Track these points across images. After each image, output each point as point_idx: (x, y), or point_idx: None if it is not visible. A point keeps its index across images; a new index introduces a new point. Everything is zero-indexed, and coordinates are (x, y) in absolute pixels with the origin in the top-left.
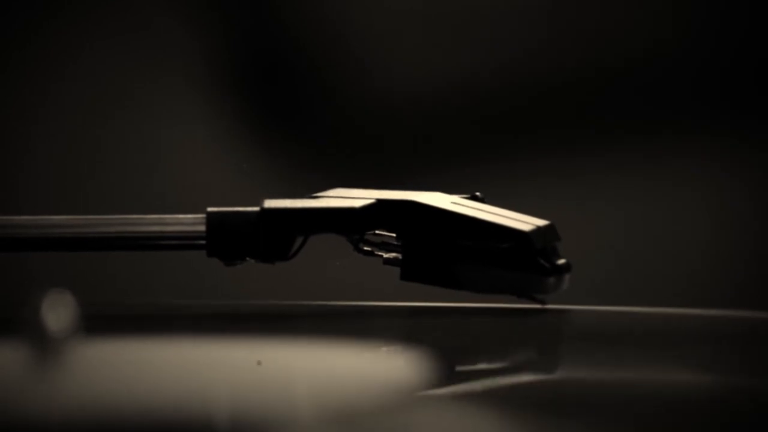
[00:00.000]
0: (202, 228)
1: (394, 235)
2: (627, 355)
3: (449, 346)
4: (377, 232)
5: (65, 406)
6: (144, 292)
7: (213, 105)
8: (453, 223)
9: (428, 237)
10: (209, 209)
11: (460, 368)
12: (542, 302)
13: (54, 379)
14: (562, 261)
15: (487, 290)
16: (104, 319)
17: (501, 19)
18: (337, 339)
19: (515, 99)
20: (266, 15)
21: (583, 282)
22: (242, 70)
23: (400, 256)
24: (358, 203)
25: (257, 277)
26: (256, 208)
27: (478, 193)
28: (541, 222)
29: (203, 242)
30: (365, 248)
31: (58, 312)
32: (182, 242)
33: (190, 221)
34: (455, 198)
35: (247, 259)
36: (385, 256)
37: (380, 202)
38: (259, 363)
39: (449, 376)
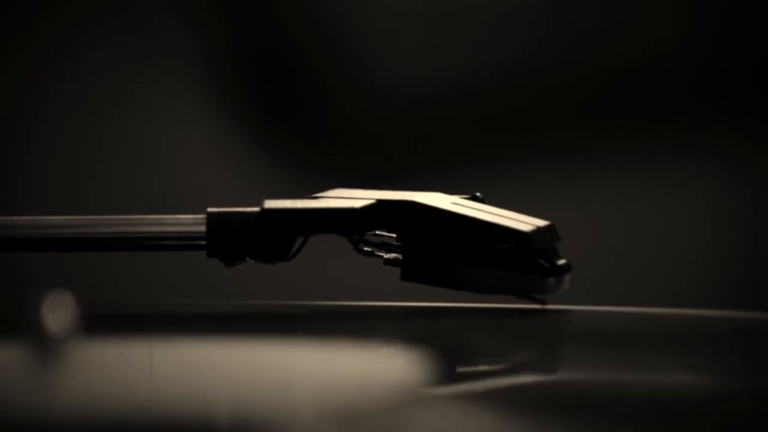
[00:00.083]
0: (203, 228)
1: (394, 235)
2: (627, 355)
3: (449, 347)
4: (377, 232)
5: (65, 407)
6: (144, 293)
7: (213, 105)
8: (453, 223)
9: (428, 237)
10: (209, 209)
11: (460, 368)
12: (542, 302)
13: (54, 379)
14: (562, 261)
15: (488, 290)
16: (104, 320)
17: (501, 18)
18: (337, 339)
19: (515, 99)
20: (266, 15)
21: (583, 282)
22: (242, 70)
23: (400, 256)
24: (358, 204)
25: (257, 277)
26: (257, 209)
27: (478, 194)
28: (542, 222)
29: (203, 243)
30: (365, 249)
31: (58, 312)
32: (182, 243)
33: (191, 222)
34: (455, 198)
35: (247, 259)
36: (386, 256)
37: (380, 203)
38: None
39: (449, 377)
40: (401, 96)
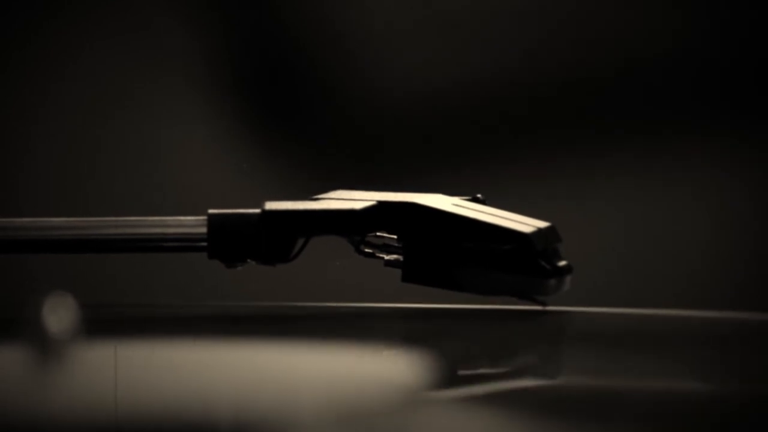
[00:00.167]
0: (204, 230)
1: (395, 236)
2: (628, 356)
3: (450, 348)
4: (378, 233)
5: (66, 408)
6: (145, 294)
7: (213, 105)
8: (454, 225)
9: (429, 239)
10: (210, 211)
11: (460, 370)
12: (543, 304)
13: (54, 381)
14: (563, 263)
15: (488, 292)
16: (105, 321)
17: (501, 19)
18: (338, 341)
19: (515, 99)
20: (266, 15)
21: (584, 283)
22: (242, 70)
23: (401, 257)
24: (359, 205)
25: (258, 278)
26: (258, 210)
27: (479, 195)
28: (542, 224)
29: (204, 244)
30: (366, 250)
31: (58, 314)
32: (183, 244)
33: (192, 223)
34: (456, 200)
35: (248, 261)
36: (386, 257)
37: (381, 204)
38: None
39: (450, 378)
40: (401, 96)
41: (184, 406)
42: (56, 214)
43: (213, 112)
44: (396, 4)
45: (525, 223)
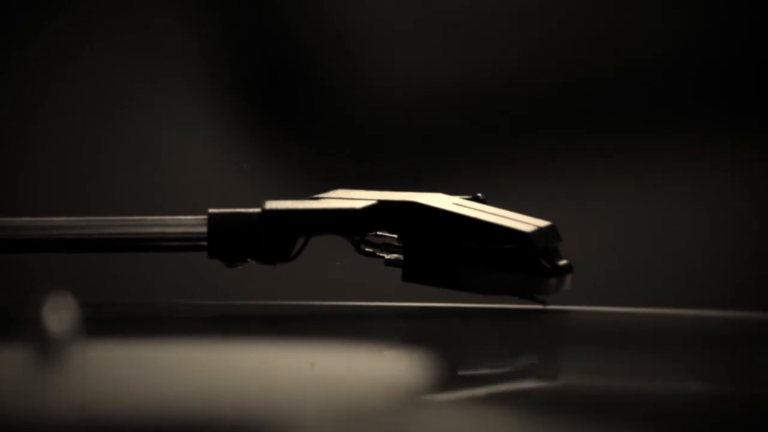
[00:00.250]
0: (204, 229)
1: (395, 236)
2: (628, 356)
3: (450, 347)
4: (379, 233)
5: (66, 408)
6: (145, 293)
7: (213, 105)
8: (454, 224)
9: (430, 238)
10: (210, 210)
11: (461, 369)
12: (544, 303)
13: (55, 380)
14: (563, 262)
15: (489, 291)
16: (105, 321)
17: (501, 19)
18: (338, 340)
19: (515, 99)
20: (266, 15)
21: (585, 283)
22: (242, 70)
23: (401, 257)
24: (359, 204)
25: (258, 278)
26: (258, 210)
27: (479, 194)
28: (543, 223)
29: (204, 243)
30: (367, 249)
31: (59, 313)
32: (184, 244)
33: (192, 223)
34: (456, 199)
35: (249, 260)
36: (387, 257)
37: (381, 203)
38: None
39: (450, 377)
40: (401, 96)
41: (184, 406)
42: (56, 213)
43: (213, 112)
44: (396, 4)
45: (525, 222)
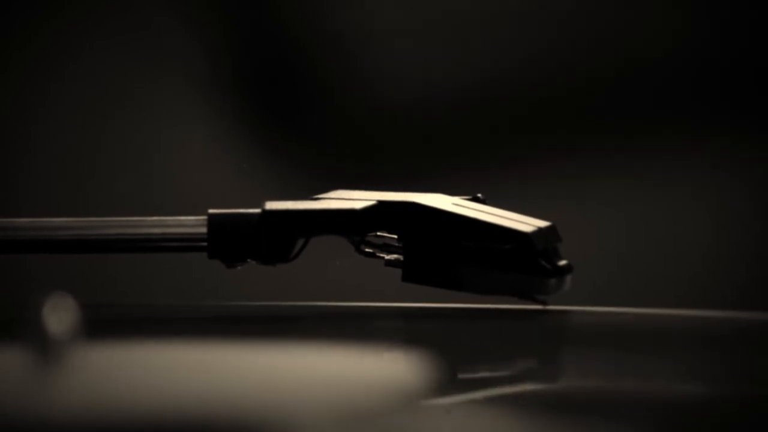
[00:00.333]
0: (204, 230)
1: (395, 236)
2: (628, 356)
3: (450, 348)
4: (378, 233)
5: (66, 410)
6: (145, 294)
7: (213, 105)
8: (454, 224)
9: (430, 238)
10: (210, 211)
11: (461, 369)
12: (544, 303)
13: (55, 382)
14: (563, 262)
15: (489, 291)
16: (105, 322)
17: (501, 19)
18: (338, 340)
19: (515, 100)
20: (266, 15)
21: (585, 283)
22: (242, 70)
23: (401, 257)
24: (359, 205)
25: (258, 278)
26: (258, 210)
27: (479, 195)
28: (543, 223)
29: (204, 244)
30: (366, 250)
31: (58, 314)
32: (184, 244)
33: (192, 223)
34: (456, 199)
35: (249, 260)
36: (387, 257)
37: (381, 204)
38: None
39: (450, 378)
40: (401, 96)
41: (183, 407)
42: (56, 214)
43: (213, 112)
44: (396, 5)
45: (525, 223)
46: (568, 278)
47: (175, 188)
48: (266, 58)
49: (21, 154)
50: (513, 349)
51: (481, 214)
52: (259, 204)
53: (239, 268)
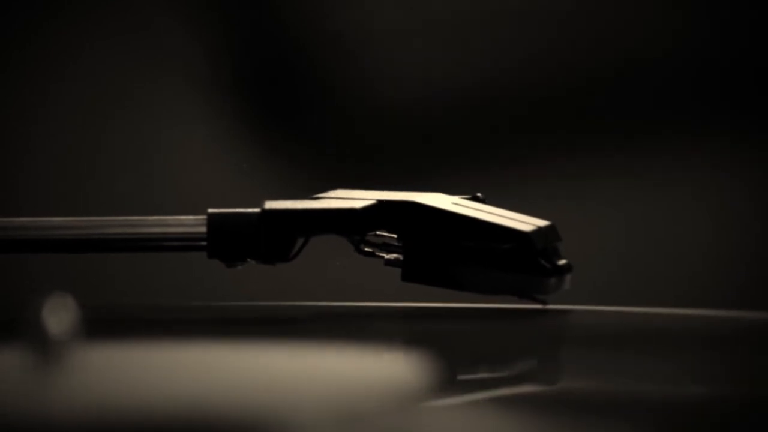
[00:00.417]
0: (203, 229)
1: (395, 236)
2: (628, 356)
3: (450, 348)
4: (378, 233)
5: (65, 410)
6: (144, 294)
7: (213, 105)
8: (454, 224)
9: (429, 238)
10: (210, 210)
11: (461, 369)
12: (543, 303)
13: (55, 382)
14: (563, 261)
15: (489, 291)
16: (105, 322)
17: (501, 19)
18: (337, 340)
19: (515, 100)
20: (266, 15)
21: (585, 283)
22: (242, 70)
23: (401, 257)
24: (358, 204)
25: (258, 278)
26: (257, 210)
27: (479, 194)
28: (542, 222)
29: (204, 243)
30: (366, 249)
31: (58, 314)
32: (183, 244)
33: (191, 223)
34: (456, 199)
35: (248, 260)
36: (386, 257)
37: (381, 203)
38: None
39: (450, 378)
40: (401, 96)
41: (182, 408)
42: (56, 213)
43: (213, 112)
44: (396, 4)
45: (525, 222)
46: (568, 278)
47: (175, 188)
48: (266, 58)
49: (21, 154)
50: (512, 348)
51: (481, 213)
52: (259, 204)
53: (239, 267)
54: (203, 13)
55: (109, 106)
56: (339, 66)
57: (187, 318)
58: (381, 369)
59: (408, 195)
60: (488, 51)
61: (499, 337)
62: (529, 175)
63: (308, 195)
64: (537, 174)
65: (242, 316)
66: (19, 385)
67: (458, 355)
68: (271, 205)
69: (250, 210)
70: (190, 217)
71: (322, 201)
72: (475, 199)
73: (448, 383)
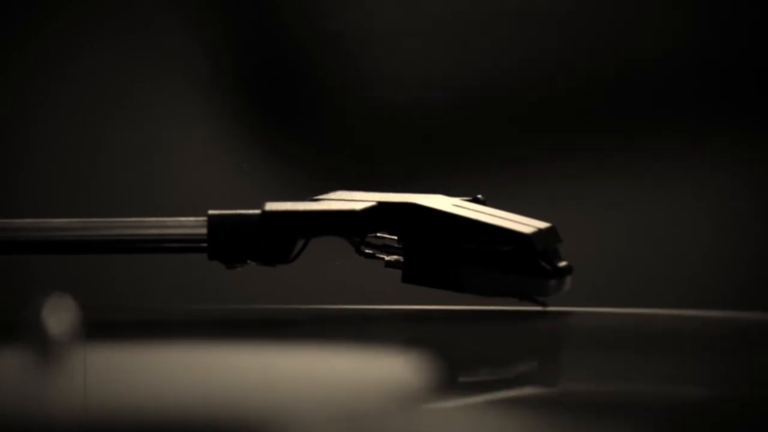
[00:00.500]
0: (204, 231)
1: (395, 237)
2: (628, 356)
3: (450, 349)
4: (379, 234)
5: (65, 411)
6: (145, 296)
7: (213, 105)
8: (454, 225)
9: (430, 239)
10: (210, 212)
11: (461, 371)
12: (544, 304)
13: (54, 382)
14: (563, 263)
15: (489, 293)
16: (105, 323)
17: (501, 19)
18: (338, 342)
19: (515, 101)
20: (266, 15)
21: (585, 284)
22: (242, 70)
23: (401, 258)
24: (359, 206)
25: (258, 279)
26: (258, 211)
27: (479, 196)
28: (543, 224)
29: (204, 245)
30: (367, 251)
31: (59, 315)
32: (184, 245)
33: (192, 224)
34: (456, 200)
35: (249, 262)
36: (387, 258)
37: (381, 205)
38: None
39: (451, 379)
40: (401, 97)
41: (183, 409)
42: (56, 214)
43: (213, 112)
44: (396, 5)
45: (525, 224)
46: (568, 279)
47: (175, 188)
48: (266, 58)
49: (21, 154)
50: (513, 350)
51: (482, 215)
52: (259, 205)
53: (239, 269)
54: (203, 13)
55: (109, 106)
56: (339, 66)
57: (187, 320)
58: (382, 371)
59: (408, 197)
60: (488, 51)
61: (500, 339)
62: (529, 175)
63: (308, 195)
64: (537, 174)
65: (243, 318)
66: (18, 386)
67: (459, 356)
68: (271, 206)
69: (250, 211)
70: (191, 218)
71: (322, 202)
72: (475, 200)
73: (449, 385)
